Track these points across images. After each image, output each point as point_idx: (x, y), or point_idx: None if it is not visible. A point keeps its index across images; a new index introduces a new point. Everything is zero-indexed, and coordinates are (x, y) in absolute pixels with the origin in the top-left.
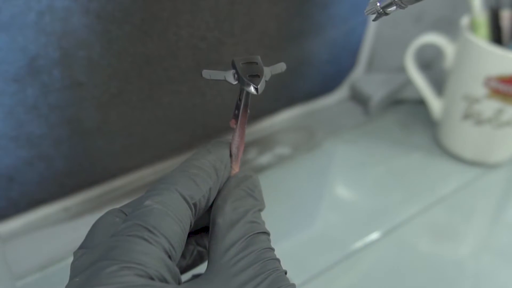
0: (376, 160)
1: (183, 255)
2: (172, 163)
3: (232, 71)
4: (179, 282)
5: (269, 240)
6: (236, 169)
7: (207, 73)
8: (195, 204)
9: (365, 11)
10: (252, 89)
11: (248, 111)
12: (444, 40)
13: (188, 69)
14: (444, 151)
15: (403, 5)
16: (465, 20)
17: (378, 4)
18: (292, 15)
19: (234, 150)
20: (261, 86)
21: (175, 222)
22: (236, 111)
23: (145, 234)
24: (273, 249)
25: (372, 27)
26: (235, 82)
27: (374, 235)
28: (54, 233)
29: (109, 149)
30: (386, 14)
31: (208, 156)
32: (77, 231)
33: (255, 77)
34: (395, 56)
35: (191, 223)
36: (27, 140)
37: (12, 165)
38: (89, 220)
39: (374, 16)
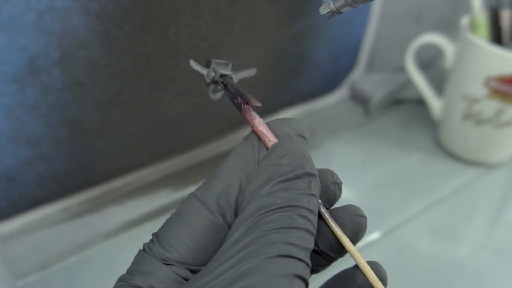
0: (376, 160)
1: None
2: (172, 163)
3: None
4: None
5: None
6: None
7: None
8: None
9: (320, 10)
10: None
11: (239, 100)
12: (444, 40)
13: (188, 69)
14: (444, 151)
15: (355, 5)
16: (465, 20)
17: (332, 4)
18: (292, 15)
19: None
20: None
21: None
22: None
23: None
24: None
25: (372, 27)
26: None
27: (374, 235)
28: (54, 233)
29: (109, 149)
30: (340, 13)
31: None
32: (77, 231)
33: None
34: (395, 56)
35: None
36: (27, 140)
37: (12, 165)
38: (89, 220)
39: (327, 14)
